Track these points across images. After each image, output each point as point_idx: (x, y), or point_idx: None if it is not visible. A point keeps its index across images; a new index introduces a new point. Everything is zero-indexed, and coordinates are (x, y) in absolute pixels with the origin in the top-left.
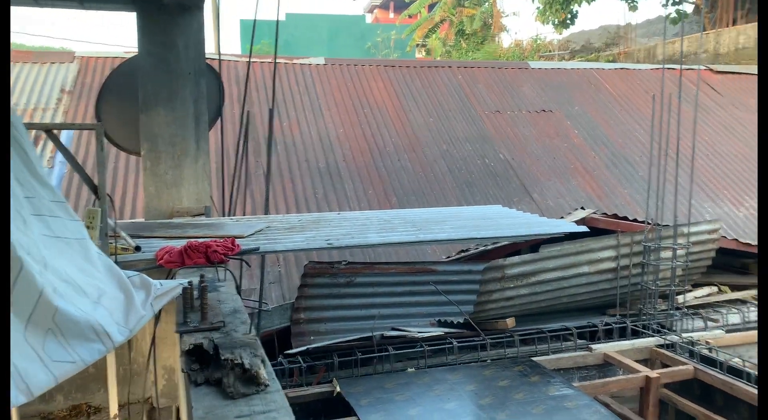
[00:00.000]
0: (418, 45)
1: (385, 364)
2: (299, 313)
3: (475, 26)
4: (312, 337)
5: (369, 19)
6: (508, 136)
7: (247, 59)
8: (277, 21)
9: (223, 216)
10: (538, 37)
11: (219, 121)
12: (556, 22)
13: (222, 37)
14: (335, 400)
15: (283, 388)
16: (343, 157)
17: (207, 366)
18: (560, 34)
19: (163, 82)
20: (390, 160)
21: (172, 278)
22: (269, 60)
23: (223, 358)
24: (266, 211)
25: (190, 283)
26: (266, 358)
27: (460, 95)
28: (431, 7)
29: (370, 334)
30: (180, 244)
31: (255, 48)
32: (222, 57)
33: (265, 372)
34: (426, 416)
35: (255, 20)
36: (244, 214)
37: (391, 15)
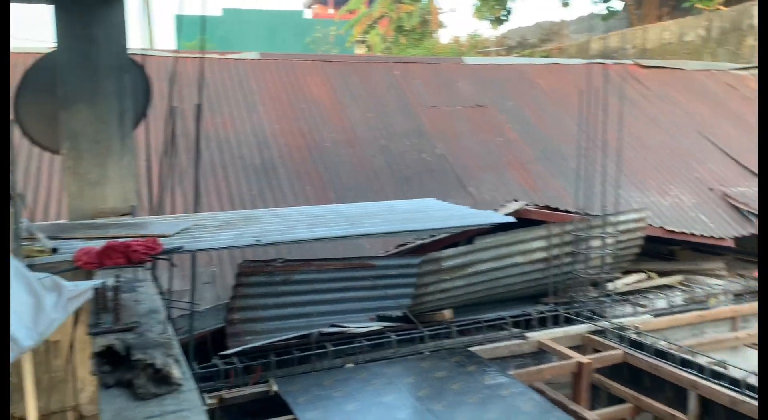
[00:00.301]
0: (357, 41)
1: (323, 361)
2: (234, 313)
3: (413, 22)
4: (248, 337)
5: (308, 14)
6: (445, 131)
7: (179, 55)
8: (203, 15)
9: (152, 215)
10: (476, 34)
11: (150, 117)
12: (492, 19)
13: (156, 33)
14: (272, 400)
15: (219, 389)
16: (279, 153)
17: (118, 367)
18: (496, 30)
19: (85, 78)
20: (328, 156)
21: (91, 280)
22: (200, 55)
23: (134, 358)
24: (196, 210)
25: (103, 283)
26: (181, 358)
27: (397, 91)
28: (370, 2)
29: (307, 332)
30: (101, 244)
31: (190, 44)
32: (151, 52)
33: (179, 371)
34: (363, 411)
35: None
36: (174, 213)
37: (331, 11)
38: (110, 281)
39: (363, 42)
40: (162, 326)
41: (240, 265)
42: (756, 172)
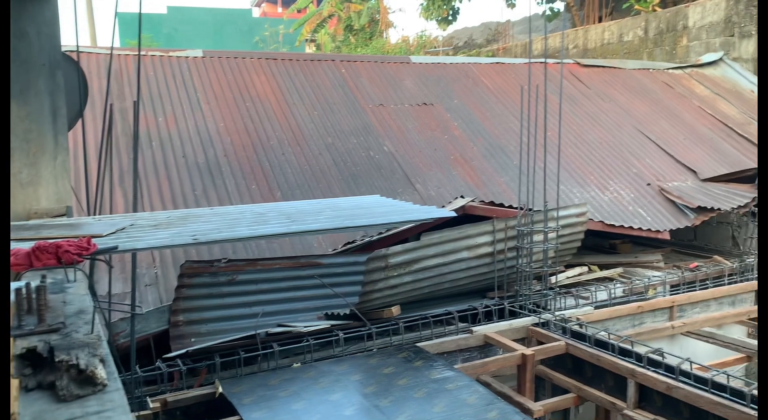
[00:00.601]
0: (307, 40)
1: (270, 361)
2: (178, 315)
3: (362, 22)
4: (192, 339)
5: (256, 13)
6: (392, 129)
7: (120, 52)
8: (140, 12)
9: (90, 216)
10: (424, 34)
11: (90, 116)
12: (439, 19)
13: (98, 31)
14: (218, 402)
15: (163, 392)
16: (224, 151)
17: (41, 369)
18: (444, 30)
19: (14, 74)
20: (274, 155)
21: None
22: (142, 52)
23: (57, 359)
24: (134, 209)
25: (27, 284)
26: (107, 358)
27: (344, 89)
28: (319, 1)
29: (254, 332)
30: (30, 245)
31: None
32: (90, 50)
33: (105, 371)
34: (310, 409)
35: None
36: (115, 214)
37: (279, 9)
38: (36, 282)
39: (312, 41)
40: (89, 326)
41: (182, 266)
42: (691, 167)
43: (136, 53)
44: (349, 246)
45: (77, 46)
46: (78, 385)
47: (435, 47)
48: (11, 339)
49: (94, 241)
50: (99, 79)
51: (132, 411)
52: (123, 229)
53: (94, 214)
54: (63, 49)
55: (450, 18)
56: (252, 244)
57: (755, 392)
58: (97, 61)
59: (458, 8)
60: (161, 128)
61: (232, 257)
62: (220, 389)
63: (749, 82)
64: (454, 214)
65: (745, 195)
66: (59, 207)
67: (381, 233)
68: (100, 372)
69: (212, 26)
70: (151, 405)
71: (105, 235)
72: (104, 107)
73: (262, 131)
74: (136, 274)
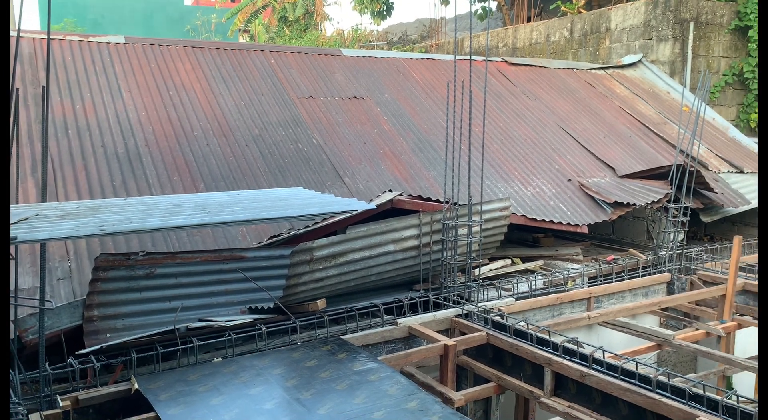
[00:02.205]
0: (240, 30)
1: (190, 356)
2: (92, 310)
3: (297, 13)
4: (108, 335)
5: (188, 1)
6: (321, 122)
7: (35, 36)
8: None
9: None
10: (358, 27)
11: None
12: (373, 13)
13: (16, 13)
14: (133, 399)
15: (74, 390)
16: (145, 141)
17: None
18: (378, 24)
19: None
20: (198, 145)
21: None
22: (60, 37)
23: None
24: (44, 199)
25: None
26: None
27: (273, 80)
28: None
29: (173, 327)
30: None
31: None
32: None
33: None
34: (229, 403)
35: None
36: (25, 204)
37: None
38: None
39: (246, 31)
40: None
41: (97, 259)
42: (609, 164)
43: (53, 38)
44: (274, 239)
45: None
46: None
47: (370, 41)
48: None
49: None
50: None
51: (40, 410)
52: (26, 219)
53: None
54: None
55: (384, 12)
56: (172, 236)
57: (661, 378)
58: (12, 44)
59: (392, 3)
60: (78, 116)
61: (151, 250)
62: (136, 385)
63: (665, 84)
64: (373, 206)
65: (659, 191)
66: None
67: (307, 226)
68: None
69: (142, 13)
70: (61, 403)
71: None
72: (11, 92)
73: (186, 121)
74: (45, 267)
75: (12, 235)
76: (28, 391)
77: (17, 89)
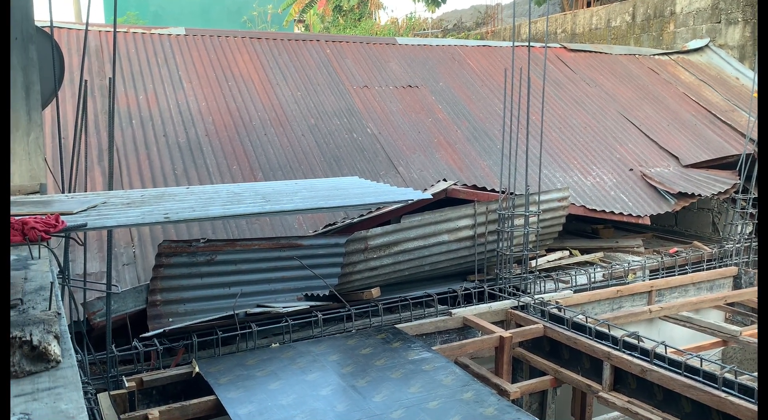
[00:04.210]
0: (295, 20)
1: (248, 341)
2: (155, 294)
3: (352, 3)
4: (170, 319)
5: None
6: (376, 111)
7: (100, 29)
8: None
9: (63, 193)
10: (413, 15)
11: (70, 93)
12: (428, 0)
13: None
14: (194, 381)
15: (138, 372)
16: (206, 131)
17: None
18: (433, 12)
19: None
20: (256, 135)
21: None
22: (123, 29)
23: (11, 335)
24: (110, 188)
25: None
26: (63, 334)
27: (328, 69)
28: None
29: (232, 312)
30: None
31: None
32: (68, 26)
33: (59, 348)
34: (286, 389)
35: None
36: (93, 191)
37: None
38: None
39: (301, 21)
40: (47, 303)
41: (160, 245)
42: (673, 153)
43: (110, 30)
44: (329, 228)
45: (51, 21)
46: (30, 361)
47: (424, 29)
48: None
49: (63, 218)
50: (79, 56)
51: (107, 390)
52: (95, 206)
53: (70, 192)
54: (39, 24)
55: (439, 0)
56: (232, 224)
57: (727, 375)
58: (77, 37)
59: None
60: (142, 106)
61: (212, 238)
62: (197, 369)
63: (734, 70)
64: (429, 196)
65: (726, 181)
66: (32, 184)
67: (362, 215)
68: (54, 348)
69: (200, 5)
70: (127, 384)
71: (75, 213)
72: (80, 84)
73: (245, 111)
74: (112, 253)
75: (82, 221)
76: (97, 372)
77: (85, 81)
